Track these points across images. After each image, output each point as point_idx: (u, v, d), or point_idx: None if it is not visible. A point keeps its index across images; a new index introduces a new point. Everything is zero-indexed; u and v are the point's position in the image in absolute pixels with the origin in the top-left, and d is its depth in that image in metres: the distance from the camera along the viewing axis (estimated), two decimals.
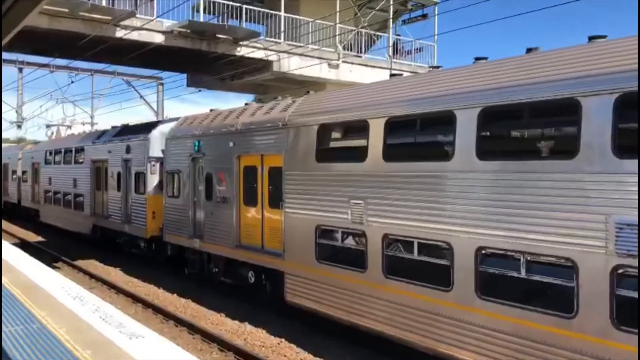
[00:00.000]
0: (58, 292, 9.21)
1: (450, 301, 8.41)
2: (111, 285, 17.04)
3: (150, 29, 18.04)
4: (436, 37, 25.38)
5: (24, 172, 34.10)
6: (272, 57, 20.62)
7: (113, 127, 24.09)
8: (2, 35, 11.31)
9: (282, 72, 20.99)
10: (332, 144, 11.33)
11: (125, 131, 21.18)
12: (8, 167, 38.32)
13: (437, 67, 10.86)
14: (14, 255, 13.58)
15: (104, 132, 23.54)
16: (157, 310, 14.11)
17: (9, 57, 34.56)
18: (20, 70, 34.12)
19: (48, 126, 33.98)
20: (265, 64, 20.88)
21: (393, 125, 9.57)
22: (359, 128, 10.32)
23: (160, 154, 18.73)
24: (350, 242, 10.46)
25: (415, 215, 9.01)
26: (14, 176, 36.73)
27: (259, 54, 20.33)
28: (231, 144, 14.06)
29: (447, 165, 8.58)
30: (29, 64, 34.34)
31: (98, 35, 16.97)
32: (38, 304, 8.40)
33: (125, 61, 21.62)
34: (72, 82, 32.71)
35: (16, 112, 35.44)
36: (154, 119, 36.47)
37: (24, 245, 25.43)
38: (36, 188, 31.56)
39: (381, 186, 9.65)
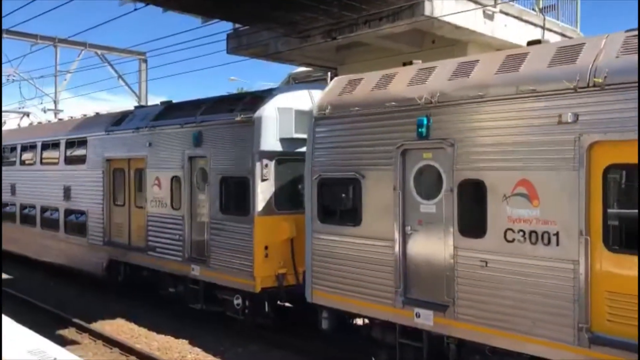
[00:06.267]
0: None
1: None
2: None
3: None
4: None
5: None
6: None
7: (138, 108, 15.63)
8: None
9: (432, 17, 13.43)
10: None
11: (186, 109, 12.85)
12: None
13: None
14: None
15: (125, 115, 14.99)
16: None
17: None
18: None
19: None
20: (410, 5, 13.23)
21: None
22: None
23: (276, 147, 10.77)
24: None
25: None
26: None
27: None
28: None
29: None
30: None
31: None
32: None
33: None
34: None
35: None
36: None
37: None
38: None
39: None
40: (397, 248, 8.22)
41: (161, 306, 13.71)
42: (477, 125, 7.37)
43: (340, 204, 9.16)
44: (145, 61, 29.46)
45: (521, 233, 6.91)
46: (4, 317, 6.29)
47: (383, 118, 8.44)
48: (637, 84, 6.09)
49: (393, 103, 8.30)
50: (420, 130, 7.88)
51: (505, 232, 7.05)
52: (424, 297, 7.96)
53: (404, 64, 9.19)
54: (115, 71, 28.60)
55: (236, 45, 18.27)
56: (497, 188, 7.11)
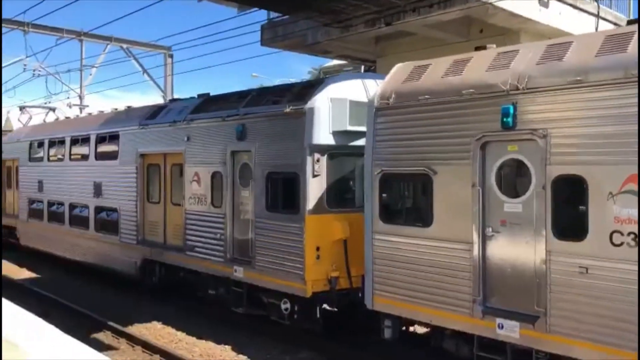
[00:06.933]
0: None
1: None
2: None
3: None
4: None
5: None
6: None
7: (173, 101, 14.97)
8: None
9: (487, 3, 12.61)
10: None
11: (227, 102, 12.14)
12: None
13: None
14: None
15: (160, 108, 14.34)
16: None
17: None
18: None
19: (22, 108, 23.95)
20: None
21: None
22: None
23: (329, 140, 9.99)
24: None
25: None
26: None
27: None
28: None
29: None
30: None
31: None
32: None
33: None
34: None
35: None
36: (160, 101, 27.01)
37: (12, 288, 15.78)
38: (13, 196, 21.66)
39: None
40: (475, 252, 7.41)
41: (198, 309, 13.02)
42: (575, 115, 6.53)
43: (407, 202, 8.40)
44: (171, 56, 28.88)
45: (632, 236, 6.07)
46: (52, 327, 5.59)
47: (458, 107, 7.62)
48: None
49: (471, 90, 7.48)
50: (505, 120, 7.06)
51: (611, 235, 6.20)
52: (509, 306, 7.14)
53: (477, 49, 8.39)
54: (140, 65, 28.05)
55: (271, 36, 17.56)
56: (602, 185, 6.27)
